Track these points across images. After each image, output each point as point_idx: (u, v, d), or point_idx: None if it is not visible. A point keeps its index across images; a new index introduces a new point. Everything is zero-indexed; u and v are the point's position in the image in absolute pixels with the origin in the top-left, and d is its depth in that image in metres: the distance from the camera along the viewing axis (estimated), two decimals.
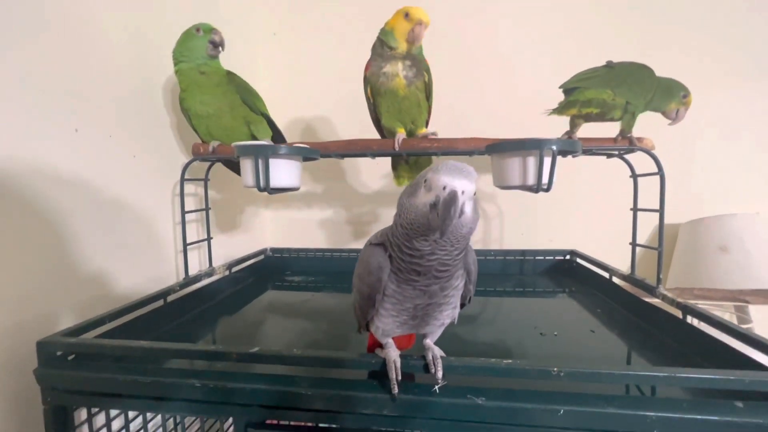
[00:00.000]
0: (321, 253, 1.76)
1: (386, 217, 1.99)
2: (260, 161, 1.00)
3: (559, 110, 1.16)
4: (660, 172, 1.06)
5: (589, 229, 1.80)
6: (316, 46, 1.94)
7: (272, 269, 1.73)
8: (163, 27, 1.24)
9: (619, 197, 1.38)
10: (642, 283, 1.12)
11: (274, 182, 1.03)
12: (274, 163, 1.02)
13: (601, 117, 1.13)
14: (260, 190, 1.02)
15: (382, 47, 1.16)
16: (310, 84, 1.96)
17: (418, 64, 1.16)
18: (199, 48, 1.12)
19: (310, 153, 1.12)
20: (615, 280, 1.26)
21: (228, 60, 1.56)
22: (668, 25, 1.69)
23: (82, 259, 1.00)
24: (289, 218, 2.04)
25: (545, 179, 0.94)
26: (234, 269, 1.46)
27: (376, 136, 1.34)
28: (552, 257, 1.61)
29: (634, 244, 1.20)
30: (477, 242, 1.89)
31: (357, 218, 2.00)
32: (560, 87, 1.17)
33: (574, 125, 1.19)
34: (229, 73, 1.20)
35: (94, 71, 1.03)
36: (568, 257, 1.60)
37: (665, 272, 1.68)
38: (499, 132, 1.17)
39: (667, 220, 1.08)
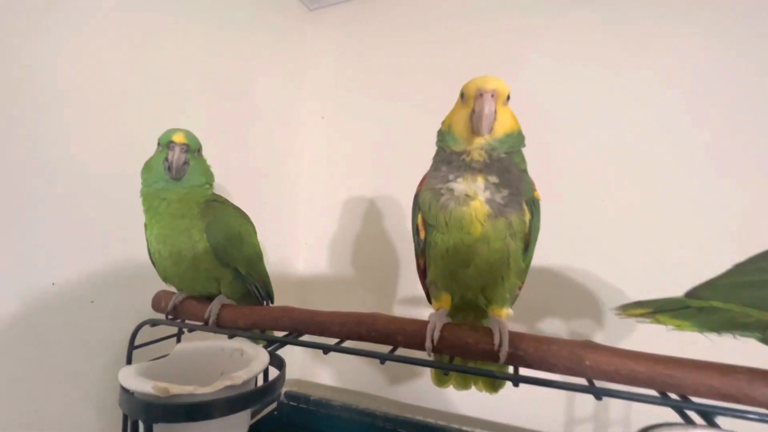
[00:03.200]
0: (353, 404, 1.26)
1: None
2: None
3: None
4: None
5: None
6: (366, 132, 1.61)
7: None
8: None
9: None
10: None
11: None
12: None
13: None
14: None
15: (445, 152, 0.69)
16: (355, 173, 1.64)
17: (515, 181, 0.65)
18: (156, 165, 0.80)
19: (247, 404, 0.62)
20: None
21: (273, 143, 1.42)
22: None
23: None
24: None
25: None
26: None
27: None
28: None
29: None
30: None
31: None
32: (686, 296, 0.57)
33: None
34: (210, 204, 0.82)
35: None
36: None
37: None
38: None
39: None
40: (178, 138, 0.78)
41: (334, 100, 1.71)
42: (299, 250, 1.71)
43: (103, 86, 0.98)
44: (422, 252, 0.75)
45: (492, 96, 0.63)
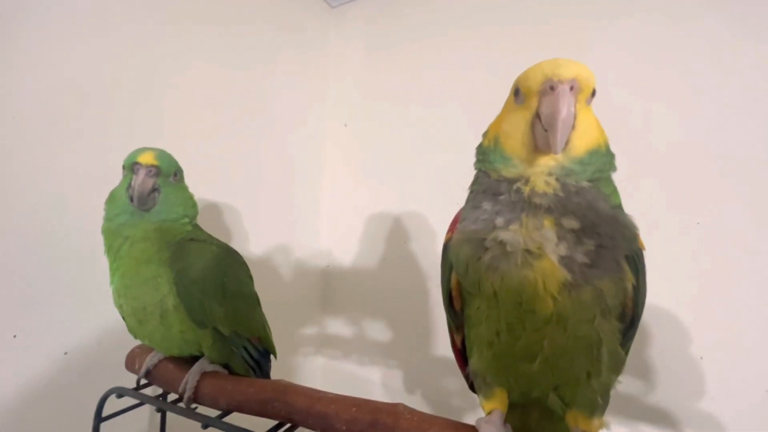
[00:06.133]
0: None
1: None
2: None
3: None
4: None
5: None
6: (392, 140, 1.42)
7: None
8: None
9: None
10: None
11: None
12: None
13: None
14: None
15: (490, 178, 0.46)
16: (379, 183, 1.44)
17: (606, 225, 0.41)
18: (119, 194, 0.63)
19: None
20: None
21: (292, 151, 1.31)
22: None
23: None
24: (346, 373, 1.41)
25: None
26: None
27: None
28: None
29: None
30: None
31: None
32: None
33: None
34: (183, 245, 0.62)
35: None
36: None
37: None
38: None
39: None
40: (144, 159, 0.61)
41: (358, 105, 1.52)
42: (319, 270, 1.52)
43: (104, 97, 0.84)
44: (458, 327, 0.52)
45: (571, 89, 0.39)
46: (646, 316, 0.91)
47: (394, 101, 1.43)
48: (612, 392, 0.47)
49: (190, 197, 0.69)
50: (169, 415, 0.77)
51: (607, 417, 0.47)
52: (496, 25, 1.25)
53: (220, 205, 1.11)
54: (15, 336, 0.74)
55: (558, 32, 1.13)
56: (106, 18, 0.87)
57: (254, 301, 0.74)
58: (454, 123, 1.28)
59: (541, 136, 0.40)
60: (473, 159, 0.49)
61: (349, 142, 1.54)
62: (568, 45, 1.10)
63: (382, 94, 1.47)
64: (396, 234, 1.40)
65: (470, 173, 0.50)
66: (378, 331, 1.41)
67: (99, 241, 0.66)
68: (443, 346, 1.27)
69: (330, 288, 1.52)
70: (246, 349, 0.71)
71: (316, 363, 1.49)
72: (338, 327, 1.49)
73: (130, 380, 0.72)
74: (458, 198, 1.21)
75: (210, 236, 0.69)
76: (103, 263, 0.72)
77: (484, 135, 0.49)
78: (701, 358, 0.92)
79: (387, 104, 1.45)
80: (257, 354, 0.74)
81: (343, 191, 1.53)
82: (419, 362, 1.31)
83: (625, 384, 0.71)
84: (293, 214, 1.41)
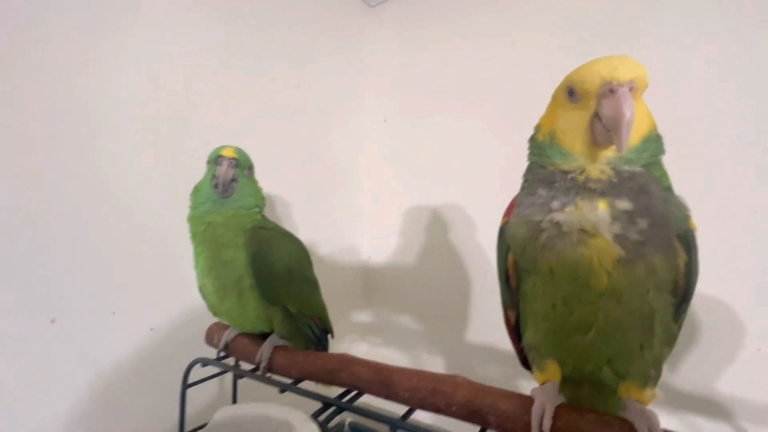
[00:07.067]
0: None
1: None
2: None
3: None
4: None
5: None
6: (432, 135, 1.46)
7: None
8: None
9: None
10: None
11: None
12: None
13: None
14: None
15: (545, 169, 0.49)
16: (419, 180, 1.48)
17: (657, 206, 0.44)
18: (203, 185, 0.72)
19: None
20: None
21: (332, 149, 1.38)
22: None
23: None
24: None
25: None
26: None
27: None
28: None
29: None
30: None
31: None
32: None
33: None
34: (256, 232, 0.70)
35: None
36: None
37: None
38: None
39: None
40: (226, 152, 0.70)
41: (397, 101, 1.57)
42: (361, 262, 1.59)
43: (157, 106, 0.94)
44: (513, 304, 0.56)
45: (630, 90, 0.43)
46: (701, 306, 0.91)
47: (432, 97, 1.47)
48: (667, 384, 0.50)
49: (260, 190, 0.77)
50: (240, 382, 0.86)
51: (663, 409, 0.50)
52: (533, 21, 1.25)
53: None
54: (113, 312, 0.85)
55: (595, 29, 1.12)
56: (176, 25, 0.97)
57: (315, 284, 0.81)
58: (489, 118, 1.30)
59: (601, 133, 0.43)
60: (509, 151, 0.53)
61: (388, 137, 1.59)
62: (606, 41, 1.10)
63: (420, 90, 1.50)
64: (434, 226, 1.44)
65: (506, 165, 0.54)
66: (418, 319, 1.46)
67: (180, 233, 0.76)
68: (482, 333, 1.31)
69: (371, 278, 1.59)
70: (310, 327, 0.78)
71: (360, 349, 1.56)
72: (380, 315, 1.56)
73: (203, 353, 0.81)
74: (495, 189, 1.24)
75: (276, 225, 0.77)
76: (183, 252, 0.82)
77: (537, 129, 0.52)
78: (758, 349, 0.90)
79: (424, 99, 1.49)
80: (319, 332, 0.81)
81: (383, 184, 1.59)
82: (458, 350, 1.35)
83: (679, 376, 0.72)
84: (336, 207, 1.48)
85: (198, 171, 0.75)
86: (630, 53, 0.46)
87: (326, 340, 0.86)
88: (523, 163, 0.53)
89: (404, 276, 1.50)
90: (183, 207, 0.75)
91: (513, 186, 0.55)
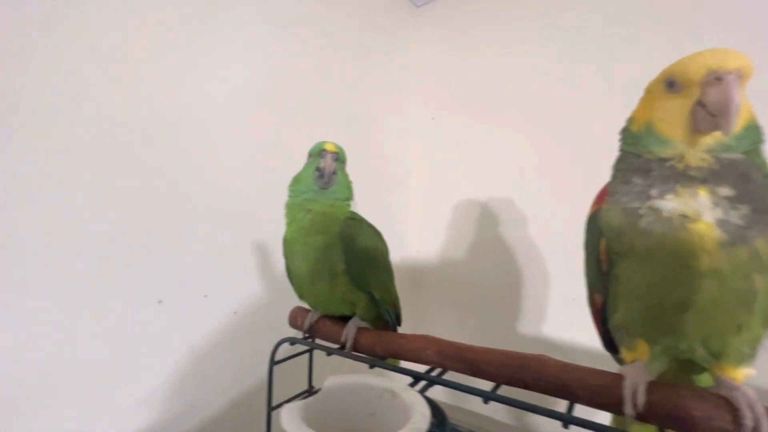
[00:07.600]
0: None
1: None
2: None
3: None
4: None
5: None
6: (481, 134, 1.49)
7: None
8: None
9: None
10: None
11: None
12: None
13: None
14: None
15: (640, 158, 0.52)
16: (466, 176, 1.52)
17: (760, 191, 0.46)
18: (305, 176, 0.78)
19: None
20: None
21: (380, 148, 1.41)
22: None
23: None
24: None
25: None
26: None
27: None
28: None
29: None
30: None
31: None
32: None
33: None
34: (348, 222, 0.77)
35: None
36: None
37: None
38: None
39: None
40: (329, 147, 0.77)
41: (444, 98, 1.61)
42: (409, 258, 1.65)
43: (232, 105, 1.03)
44: (602, 288, 0.60)
45: (737, 78, 0.45)
46: None
47: (478, 95, 1.50)
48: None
49: (351, 183, 0.83)
50: (315, 360, 0.93)
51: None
52: (579, 18, 1.26)
53: None
54: (205, 296, 0.94)
55: (646, 28, 1.13)
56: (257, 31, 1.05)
57: (392, 274, 0.87)
58: (535, 114, 1.32)
59: (705, 120, 0.46)
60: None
61: (436, 134, 1.64)
62: (658, 39, 1.10)
63: (466, 88, 1.54)
64: (482, 220, 1.47)
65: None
66: (466, 312, 1.50)
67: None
68: (531, 326, 1.33)
69: (419, 272, 1.64)
70: (388, 312, 0.84)
71: None
72: (428, 309, 1.61)
73: (283, 335, 0.88)
74: (542, 184, 1.26)
75: (362, 217, 0.83)
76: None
77: (631, 121, 0.55)
78: None
79: (471, 98, 1.53)
80: (394, 317, 0.87)
81: (430, 180, 1.64)
82: (506, 343, 1.38)
83: None
84: (386, 201, 1.54)
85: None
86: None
87: (398, 327, 0.91)
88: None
89: (452, 269, 1.55)
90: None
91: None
